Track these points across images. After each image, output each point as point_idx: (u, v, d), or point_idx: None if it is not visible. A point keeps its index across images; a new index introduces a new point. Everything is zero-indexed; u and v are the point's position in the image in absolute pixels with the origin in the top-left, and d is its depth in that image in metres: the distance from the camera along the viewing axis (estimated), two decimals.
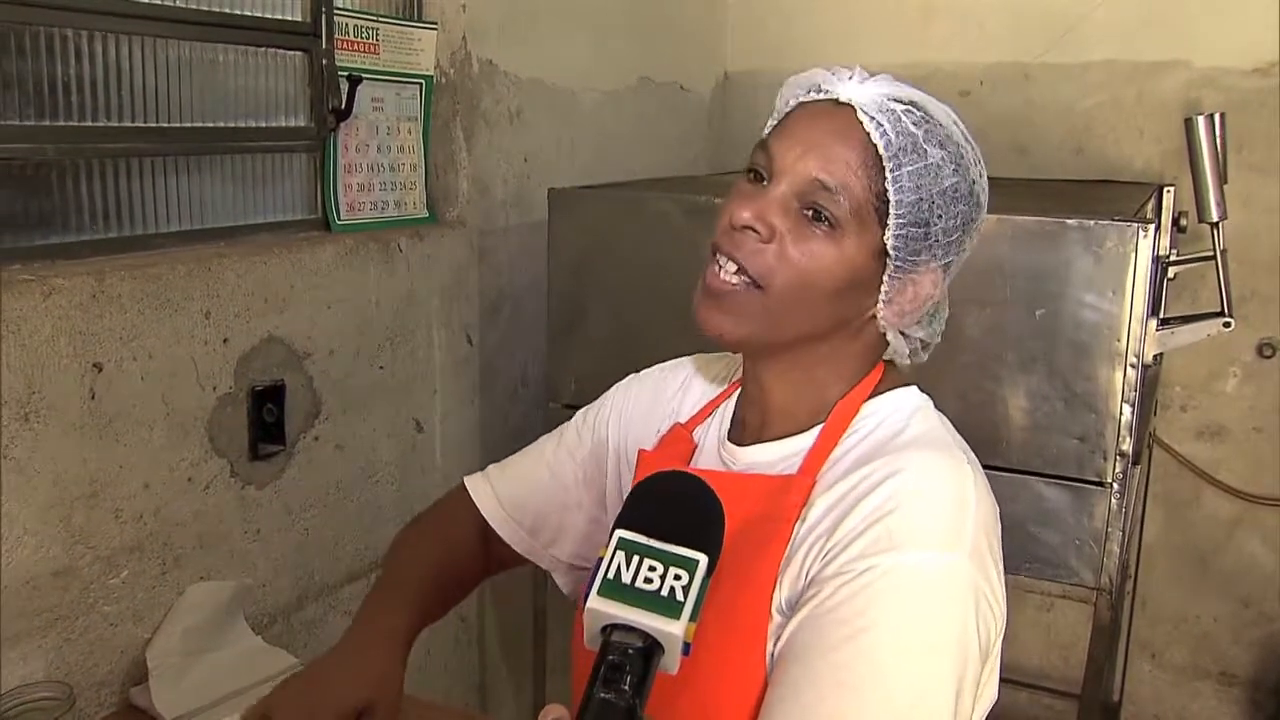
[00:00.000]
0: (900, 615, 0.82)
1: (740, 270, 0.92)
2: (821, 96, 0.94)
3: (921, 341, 1.01)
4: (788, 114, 0.96)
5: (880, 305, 0.95)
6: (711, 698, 0.90)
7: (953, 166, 0.92)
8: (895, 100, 0.91)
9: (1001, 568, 0.90)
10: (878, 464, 0.89)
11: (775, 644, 0.88)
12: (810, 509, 0.91)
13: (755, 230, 0.91)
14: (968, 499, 0.88)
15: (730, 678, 0.90)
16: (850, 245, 0.91)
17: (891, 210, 0.90)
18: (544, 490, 1.21)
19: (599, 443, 1.19)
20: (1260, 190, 2.47)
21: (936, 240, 0.92)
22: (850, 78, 0.93)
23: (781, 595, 0.89)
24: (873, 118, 0.90)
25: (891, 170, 0.89)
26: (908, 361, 1.02)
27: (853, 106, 0.91)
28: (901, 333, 0.99)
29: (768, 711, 0.83)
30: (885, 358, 1.02)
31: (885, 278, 0.93)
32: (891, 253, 0.92)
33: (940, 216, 0.91)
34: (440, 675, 2.09)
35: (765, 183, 0.93)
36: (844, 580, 0.84)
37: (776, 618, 0.89)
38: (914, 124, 0.90)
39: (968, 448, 0.95)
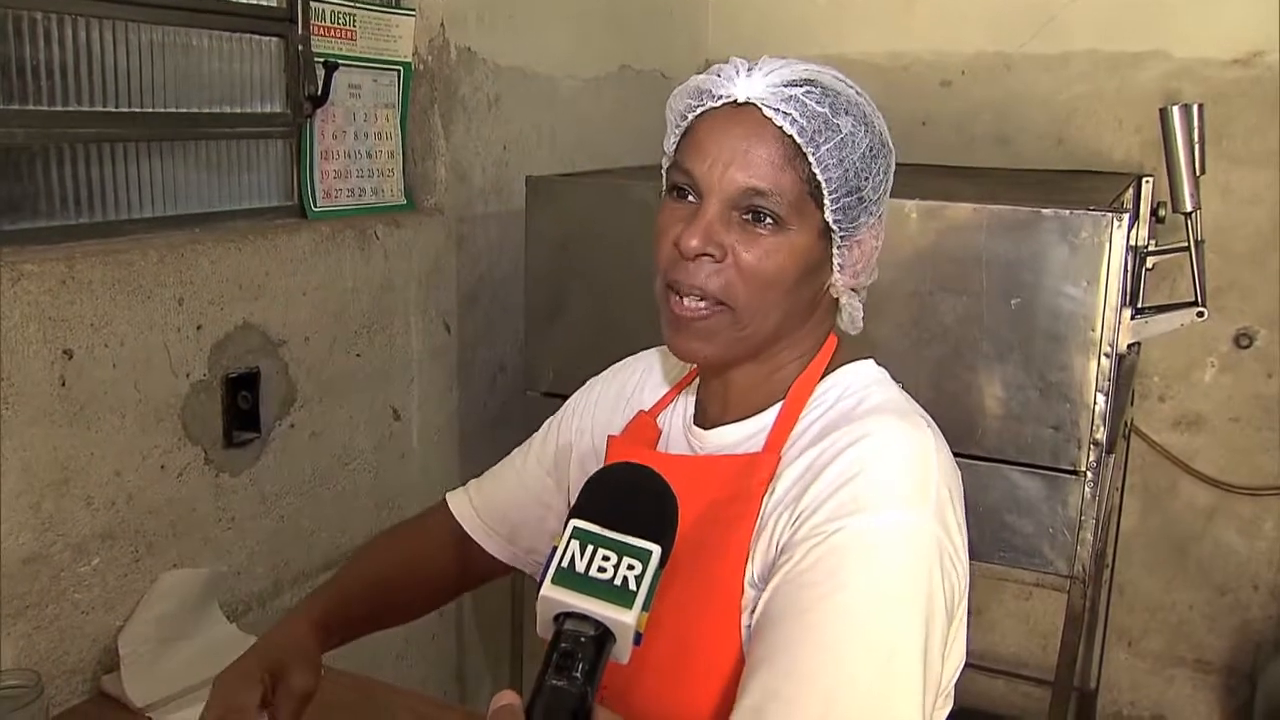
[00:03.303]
0: (869, 574, 0.84)
1: (704, 296, 0.94)
2: (720, 103, 0.94)
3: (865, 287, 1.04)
4: (691, 126, 0.97)
5: (836, 275, 0.98)
6: (687, 672, 0.93)
7: (863, 129, 0.94)
8: (792, 85, 0.93)
9: (965, 528, 0.93)
10: (841, 432, 0.91)
11: (751, 615, 0.90)
12: (778, 482, 0.93)
13: (708, 254, 0.93)
14: (930, 461, 0.90)
15: (705, 651, 0.92)
16: (796, 235, 0.93)
17: (824, 190, 0.92)
18: (517, 499, 1.24)
19: (562, 448, 1.22)
20: (1239, 181, 2.49)
21: (870, 200, 0.95)
22: (737, 74, 0.94)
23: (754, 568, 0.91)
24: (778, 110, 0.91)
25: (813, 154, 0.91)
26: (858, 321, 1.04)
27: (755, 105, 0.92)
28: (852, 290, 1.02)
29: (749, 675, 0.85)
30: (839, 326, 1.04)
31: (835, 251, 0.96)
32: (835, 227, 0.95)
33: (868, 179, 0.94)
34: (418, 663, 2.09)
35: (691, 198, 0.95)
36: (814, 543, 0.86)
37: (750, 591, 0.91)
38: (817, 103, 0.92)
39: (926, 414, 0.97)
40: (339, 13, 1.76)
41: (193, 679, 1.39)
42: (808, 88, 0.92)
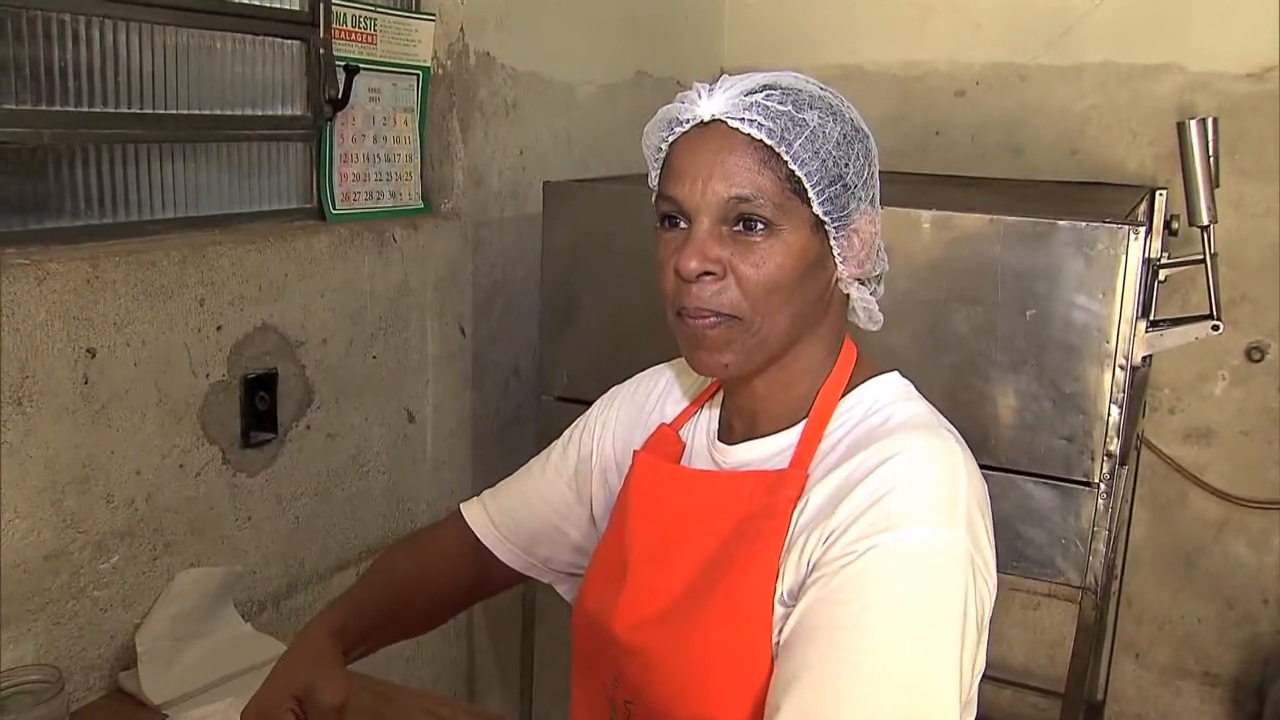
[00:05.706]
0: (902, 593, 0.85)
1: (714, 314, 0.95)
2: (688, 126, 0.97)
3: (876, 279, 1.05)
4: (667, 155, 0.99)
5: (839, 267, 0.99)
6: (715, 689, 0.92)
7: (831, 118, 0.95)
8: (751, 93, 0.95)
9: (993, 541, 0.93)
10: (871, 450, 0.92)
11: (780, 633, 0.90)
12: (808, 499, 0.93)
13: (709, 273, 0.94)
14: (959, 476, 0.91)
15: (734, 669, 0.92)
16: (789, 234, 0.95)
17: (806, 184, 0.94)
18: (535, 509, 1.25)
19: (583, 458, 1.23)
20: (1252, 194, 2.49)
21: (855, 185, 0.96)
22: (699, 96, 0.96)
23: (784, 585, 0.91)
24: (742, 118, 0.93)
25: (786, 151, 0.93)
26: (875, 314, 1.05)
27: (721, 120, 0.94)
28: (860, 282, 1.03)
29: (780, 691, 0.85)
30: (858, 325, 1.06)
31: (832, 242, 0.97)
32: (826, 219, 0.96)
33: (847, 165, 0.95)
34: (428, 665, 2.09)
35: (682, 224, 0.97)
36: (846, 562, 0.86)
37: (779, 608, 0.91)
38: (779, 103, 0.94)
39: (953, 428, 0.98)
40: (360, 17, 1.78)
41: (208, 677, 1.40)
42: (767, 92, 0.94)
